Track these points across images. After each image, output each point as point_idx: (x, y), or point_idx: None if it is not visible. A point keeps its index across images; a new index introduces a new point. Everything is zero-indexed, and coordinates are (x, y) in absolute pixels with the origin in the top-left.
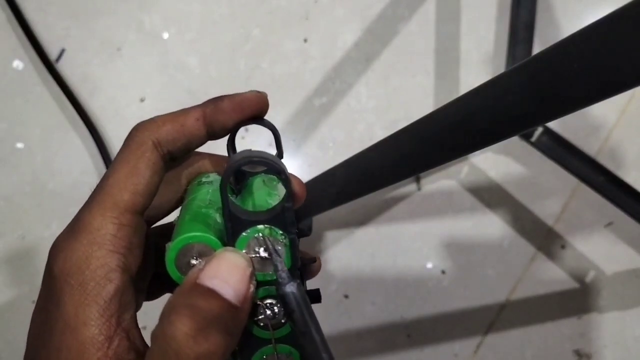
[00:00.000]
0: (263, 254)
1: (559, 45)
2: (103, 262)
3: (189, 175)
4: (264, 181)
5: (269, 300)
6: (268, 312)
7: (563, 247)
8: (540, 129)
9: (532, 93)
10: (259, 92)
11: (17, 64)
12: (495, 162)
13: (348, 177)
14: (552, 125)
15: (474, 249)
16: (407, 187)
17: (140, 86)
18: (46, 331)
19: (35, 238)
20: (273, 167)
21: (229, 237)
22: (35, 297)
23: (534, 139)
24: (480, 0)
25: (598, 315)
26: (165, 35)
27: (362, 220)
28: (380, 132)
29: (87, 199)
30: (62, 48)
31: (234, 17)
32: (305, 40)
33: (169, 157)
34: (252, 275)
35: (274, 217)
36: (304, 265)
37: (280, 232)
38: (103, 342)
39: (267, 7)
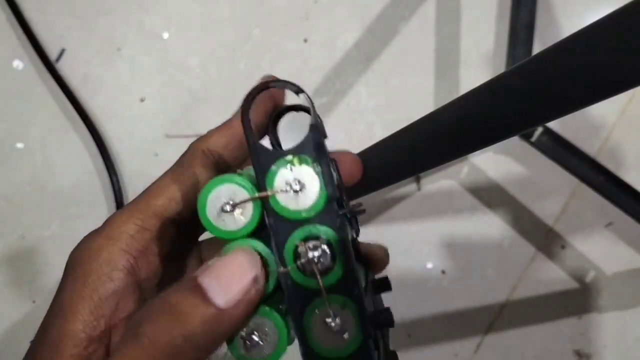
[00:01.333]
0: (295, 186)
1: (558, 45)
2: (111, 258)
3: None
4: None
5: (310, 243)
6: (310, 254)
7: (563, 247)
8: (540, 129)
9: (532, 93)
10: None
11: (17, 63)
12: (496, 162)
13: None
14: (552, 125)
15: (474, 249)
16: (407, 187)
17: (140, 86)
18: (47, 311)
19: (35, 238)
20: (292, 87)
21: (257, 171)
22: (35, 297)
23: (534, 139)
24: (481, 0)
25: (598, 316)
26: (165, 35)
27: (362, 220)
28: (380, 132)
29: (87, 199)
30: (62, 48)
31: (234, 17)
32: (305, 41)
33: (224, 165)
34: (256, 280)
35: (303, 145)
36: (367, 258)
37: (311, 159)
38: (82, 340)
39: (267, 7)
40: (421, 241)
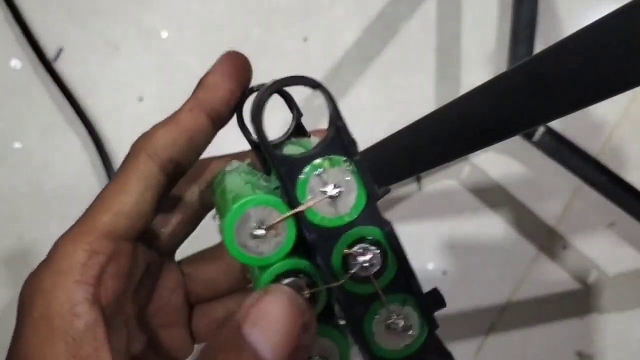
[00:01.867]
0: (333, 192)
1: (560, 44)
2: (68, 295)
3: (204, 185)
4: (294, 145)
5: (357, 247)
6: (360, 259)
7: (565, 247)
8: (542, 129)
9: (533, 92)
10: (231, 51)
11: (15, 63)
12: (497, 162)
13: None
14: (554, 124)
15: (475, 249)
16: (407, 187)
17: (138, 85)
18: None
19: (33, 239)
20: (308, 82)
21: (286, 184)
22: None
23: (535, 138)
24: None
25: (600, 316)
26: (164, 35)
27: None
28: (380, 132)
29: (86, 199)
30: (60, 47)
31: (233, 16)
32: (305, 40)
33: (172, 166)
34: (306, 326)
35: (329, 145)
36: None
37: (343, 158)
38: None
39: (267, 6)
40: (422, 242)
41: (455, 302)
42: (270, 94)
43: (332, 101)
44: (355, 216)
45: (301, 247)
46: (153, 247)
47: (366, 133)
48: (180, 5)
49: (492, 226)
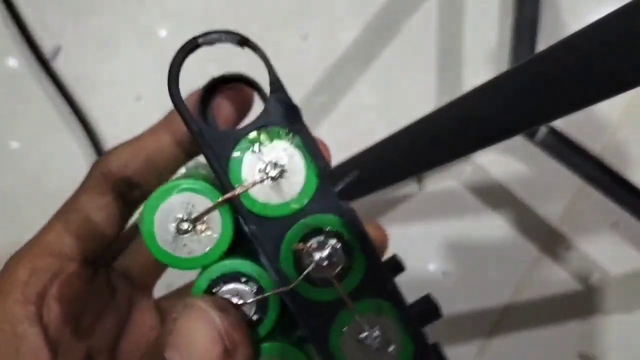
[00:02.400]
0: (273, 172)
1: (562, 43)
2: (10, 316)
3: None
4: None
5: (312, 241)
6: (316, 255)
7: (567, 248)
8: (544, 128)
9: (535, 91)
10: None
11: (12, 62)
12: (498, 161)
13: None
14: (557, 124)
15: (477, 250)
16: (408, 187)
17: (136, 85)
18: None
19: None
20: (233, 37)
21: (215, 164)
22: None
23: (537, 138)
24: None
25: (603, 317)
26: (163, 33)
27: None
28: (381, 131)
29: None
30: (57, 46)
31: (232, 14)
32: (305, 38)
33: (125, 186)
34: (231, 349)
35: (266, 115)
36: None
37: (285, 129)
38: None
39: (266, 4)
40: (422, 242)
41: (456, 304)
42: (185, 55)
43: (266, 60)
44: (305, 202)
45: (245, 244)
46: (126, 276)
47: (367, 132)
48: (178, 4)
49: (493, 226)
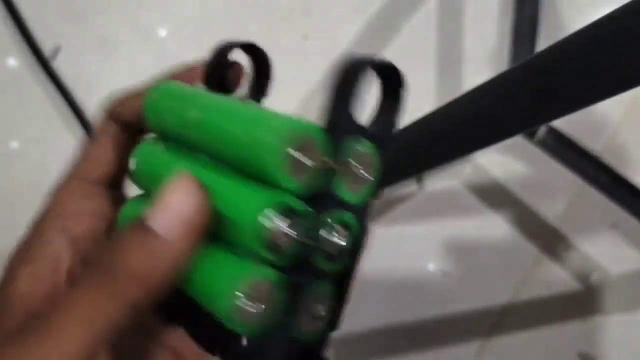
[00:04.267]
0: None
1: (562, 43)
2: (42, 227)
3: None
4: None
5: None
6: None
7: (567, 248)
8: (544, 128)
9: (535, 91)
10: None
11: (12, 61)
12: (499, 161)
13: None
14: (557, 124)
15: (477, 250)
16: (409, 187)
17: (136, 84)
18: None
19: None
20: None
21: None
22: None
23: (538, 138)
24: None
25: (603, 318)
26: (162, 33)
27: None
28: None
29: None
30: (57, 46)
31: (232, 13)
32: (305, 37)
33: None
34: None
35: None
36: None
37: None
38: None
39: (266, 3)
40: (423, 242)
41: (456, 304)
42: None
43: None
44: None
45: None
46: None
47: None
48: (178, 4)
49: (494, 226)
